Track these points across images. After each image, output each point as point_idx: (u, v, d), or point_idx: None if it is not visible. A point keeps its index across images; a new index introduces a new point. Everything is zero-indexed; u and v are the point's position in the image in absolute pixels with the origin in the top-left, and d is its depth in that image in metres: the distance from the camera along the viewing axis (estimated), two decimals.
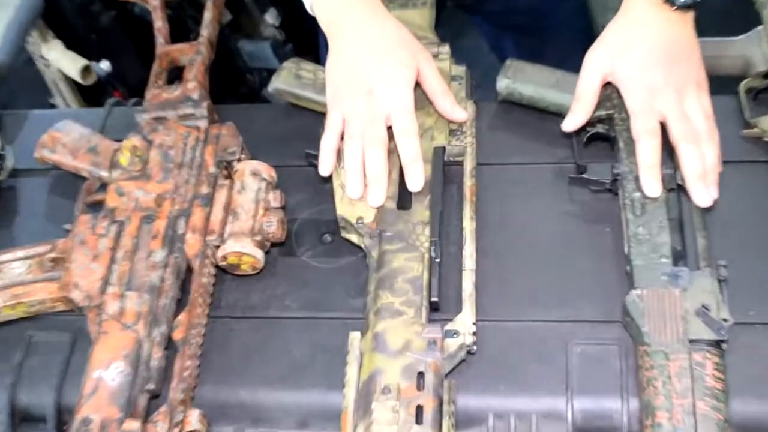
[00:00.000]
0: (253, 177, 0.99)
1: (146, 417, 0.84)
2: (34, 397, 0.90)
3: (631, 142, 0.95)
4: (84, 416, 0.83)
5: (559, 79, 1.02)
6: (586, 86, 0.97)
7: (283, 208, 0.99)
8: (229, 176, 1.01)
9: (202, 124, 1.04)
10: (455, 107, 0.98)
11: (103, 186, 1.02)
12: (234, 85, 1.96)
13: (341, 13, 0.98)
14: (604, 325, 0.89)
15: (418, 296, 0.87)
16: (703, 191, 0.90)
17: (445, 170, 0.99)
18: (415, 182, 0.94)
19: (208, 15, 1.11)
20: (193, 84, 1.06)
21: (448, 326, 0.86)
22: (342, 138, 0.97)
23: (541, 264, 0.94)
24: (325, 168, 0.96)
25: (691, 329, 0.82)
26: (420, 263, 0.89)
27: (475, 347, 0.86)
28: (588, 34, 1.29)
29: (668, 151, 0.93)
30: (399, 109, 0.94)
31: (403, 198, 0.95)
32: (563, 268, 0.94)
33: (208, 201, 0.98)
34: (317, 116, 1.05)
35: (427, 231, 0.92)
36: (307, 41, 1.69)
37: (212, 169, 1.01)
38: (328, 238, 1.00)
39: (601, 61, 0.96)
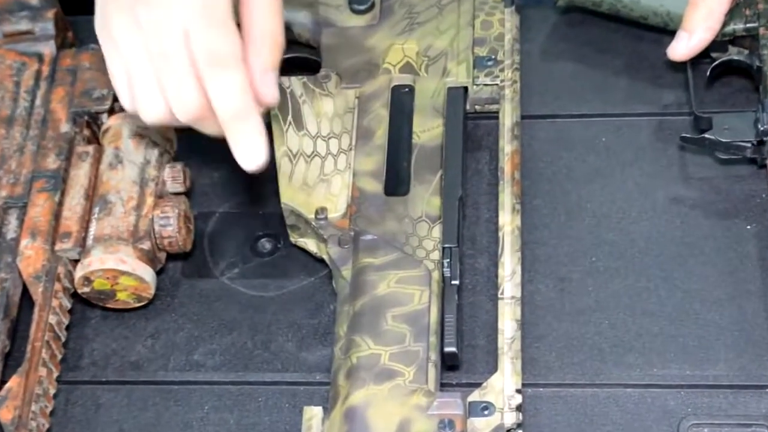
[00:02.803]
0: (137, 141, 0.98)
1: None
2: None
3: None
4: None
5: None
6: None
7: (188, 194, 0.98)
8: (95, 139, 1.01)
9: (47, 49, 1.04)
10: (266, 77, 0.89)
11: None
12: None
13: None
14: (744, 393, 0.89)
15: (421, 344, 0.87)
16: None
17: (467, 127, 0.99)
18: (249, 156, 0.87)
19: None
20: None
21: (474, 396, 0.85)
22: None
23: (633, 289, 0.94)
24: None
25: None
26: (425, 288, 0.89)
27: (521, 431, 0.85)
28: None
29: None
30: (198, 21, 0.87)
31: (396, 175, 0.96)
32: (672, 295, 0.94)
33: (59, 182, 0.97)
34: None
35: (437, 232, 0.92)
36: None
37: (65, 126, 1.00)
38: (266, 245, 1.00)
39: None
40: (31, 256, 0.93)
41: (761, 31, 0.97)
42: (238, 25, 0.89)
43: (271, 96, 0.89)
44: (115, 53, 0.88)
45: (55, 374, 0.92)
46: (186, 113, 0.86)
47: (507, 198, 0.94)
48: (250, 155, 0.87)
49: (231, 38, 0.86)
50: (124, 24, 0.86)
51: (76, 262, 0.94)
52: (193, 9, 0.85)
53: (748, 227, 0.95)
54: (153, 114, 0.87)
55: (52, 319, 0.92)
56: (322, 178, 0.95)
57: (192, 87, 0.86)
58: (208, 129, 0.88)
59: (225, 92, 0.86)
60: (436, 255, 0.90)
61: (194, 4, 0.85)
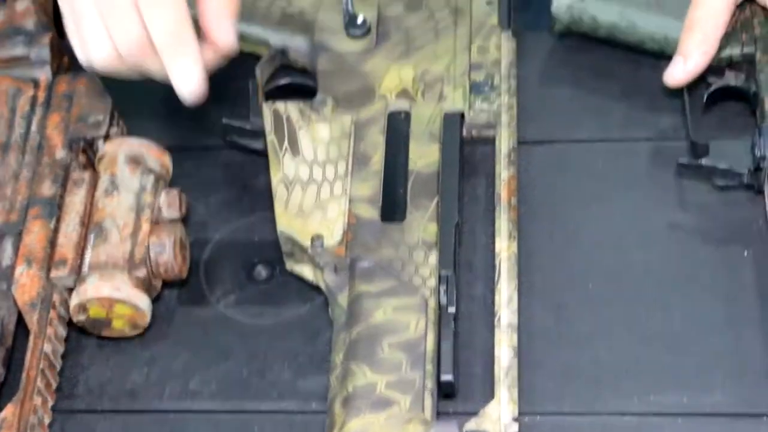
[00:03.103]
0: (133, 167, 0.99)
1: None
2: None
3: None
4: None
5: None
6: (707, 7, 0.97)
7: (184, 220, 0.99)
8: (90, 166, 1.01)
9: (43, 74, 1.04)
10: (221, 23, 0.94)
11: None
12: None
13: None
14: (742, 422, 0.88)
15: (417, 372, 0.87)
16: None
17: (464, 153, 0.99)
18: (184, 84, 0.92)
19: None
20: (26, 4, 1.05)
21: (470, 424, 0.86)
22: None
23: (629, 316, 0.94)
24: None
25: None
26: (421, 315, 0.89)
27: None
28: None
29: None
30: None
31: (392, 201, 0.96)
32: (669, 321, 0.93)
33: (55, 209, 0.97)
34: (245, 59, 1.04)
35: (434, 259, 0.92)
36: None
37: (61, 152, 1.00)
38: (262, 272, 1.00)
39: None
40: (26, 283, 0.93)
41: (758, 56, 0.97)
42: None
43: (227, 41, 0.94)
44: (67, 2, 0.92)
45: (50, 403, 0.92)
46: (129, 49, 0.90)
47: (504, 224, 0.94)
48: (185, 83, 0.91)
49: None
50: None
51: (71, 290, 0.94)
52: None
53: (746, 254, 0.95)
54: (100, 55, 0.91)
55: (47, 348, 0.91)
56: (318, 204, 0.95)
57: (133, 20, 0.89)
58: (153, 68, 0.91)
59: (160, 20, 0.90)
60: (432, 282, 0.90)
61: None
